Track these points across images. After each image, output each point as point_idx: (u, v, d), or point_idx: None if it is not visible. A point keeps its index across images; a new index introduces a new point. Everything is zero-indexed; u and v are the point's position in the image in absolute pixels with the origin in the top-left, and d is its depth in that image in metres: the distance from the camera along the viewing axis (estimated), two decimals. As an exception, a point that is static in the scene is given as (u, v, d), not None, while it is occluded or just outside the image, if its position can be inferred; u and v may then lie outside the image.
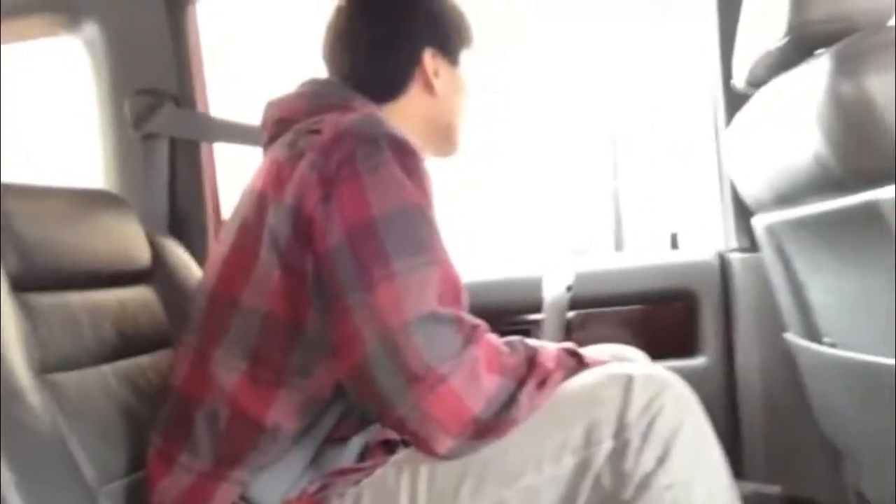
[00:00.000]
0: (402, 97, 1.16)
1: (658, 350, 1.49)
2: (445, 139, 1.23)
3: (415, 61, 1.16)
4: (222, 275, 1.04)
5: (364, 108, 1.08)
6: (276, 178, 1.00)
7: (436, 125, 1.20)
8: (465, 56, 1.21)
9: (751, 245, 1.57)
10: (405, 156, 0.97)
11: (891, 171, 0.91)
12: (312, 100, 1.11)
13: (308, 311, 0.98)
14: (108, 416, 1.11)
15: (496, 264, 1.94)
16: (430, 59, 1.16)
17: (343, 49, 1.17)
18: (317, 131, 1.01)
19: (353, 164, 0.95)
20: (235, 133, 1.68)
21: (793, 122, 1.05)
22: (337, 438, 1.06)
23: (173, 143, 1.68)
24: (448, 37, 1.19)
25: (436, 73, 1.17)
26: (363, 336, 0.90)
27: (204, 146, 1.73)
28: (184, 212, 1.69)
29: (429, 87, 1.17)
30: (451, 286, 0.94)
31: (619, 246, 2.29)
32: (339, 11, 1.19)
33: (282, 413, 1.00)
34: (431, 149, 1.22)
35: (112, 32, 1.65)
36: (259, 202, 1.01)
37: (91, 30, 1.66)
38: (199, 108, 1.72)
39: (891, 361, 1.02)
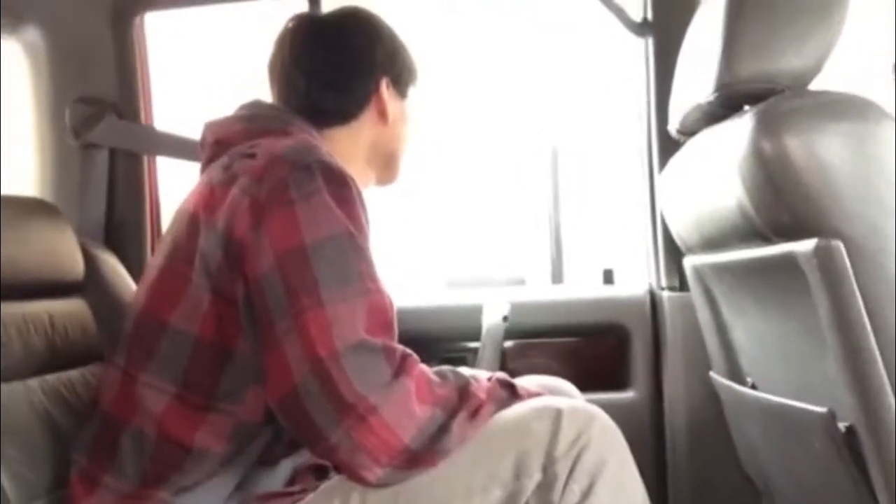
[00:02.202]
0: (354, 122, 1.18)
1: (589, 382, 1.51)
2: (388, 166, 1.25)
3: (372, 88, 1.18)
4: (152, 296, 1.04)
5: (300, 134, 1.09)
6: (209, 201, 1.00)
7: (382, 152, 1.22)
8: (411, 91, 1.24)
9: (681, 284, 1.62)
10: (337, 184, 0.98)
11: (807, 226, 0.96)
12: (249, 123, 1.11)
13: (239, 336, 0.97)
14: (33, 431, 1.08)
15: (435, 291, 1.95)
16: (385, 87, 1.19)
17: (297, 72, 1.17)
18: (251, 156, 1.01)
19: (284, 191, 0.95)
20: (179, 147, 1.66)
21: (719, 173, 1.09)
22: (266, 461, 1.05)
23: (113, 154, 1.66)
24: (401, 71, 1.22)
25: (388, 102, 1.19)
26: (293, 365, 0.89)
27: (147, 159, 1.71)
28: (122, 224, 1.66)
29: (382, 114, 1.19)
30: (380, 316, 0.94)
31: (557, 279, 2.31)
32: (292, 35, 1.19)
33: (210, 436, 0.99)
34: (374, 175, 1.24)
35: (54, 38, 1.63)
36: (191, 224, 1.01)
37: (33, 34, 1.63)
38: (143, 120, 1.70)
39: (804, 405, 1.06)
